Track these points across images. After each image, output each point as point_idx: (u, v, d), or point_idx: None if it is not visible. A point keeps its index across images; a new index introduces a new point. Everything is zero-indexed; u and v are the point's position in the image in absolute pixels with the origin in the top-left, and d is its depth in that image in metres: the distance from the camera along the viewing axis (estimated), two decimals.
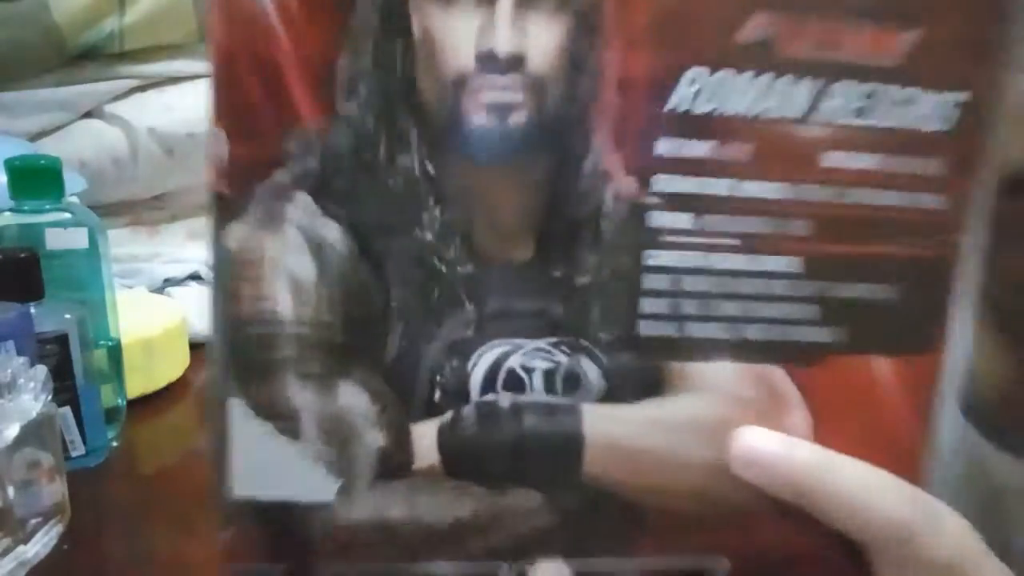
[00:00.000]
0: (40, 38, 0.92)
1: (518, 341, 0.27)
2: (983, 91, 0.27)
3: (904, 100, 0.27)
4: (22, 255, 0.60)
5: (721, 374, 0.28)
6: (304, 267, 0.26)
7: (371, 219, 0.26)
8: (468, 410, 0.27)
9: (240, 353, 0.26)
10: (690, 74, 0.26)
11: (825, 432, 0.29)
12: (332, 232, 0.25)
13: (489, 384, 0.27)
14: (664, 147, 0.26)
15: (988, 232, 0.28)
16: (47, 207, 0.65)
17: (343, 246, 0.26)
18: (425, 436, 0.27)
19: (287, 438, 0.26)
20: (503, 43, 0.25)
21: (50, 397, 0.53)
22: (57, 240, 0.65)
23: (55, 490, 0.54)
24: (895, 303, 0.29)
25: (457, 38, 0.25)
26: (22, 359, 0.53)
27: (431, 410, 0.27)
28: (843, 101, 0.27)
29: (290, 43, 0.24)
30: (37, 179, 0.65)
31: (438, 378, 0.27)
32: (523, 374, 0.27)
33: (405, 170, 0.25)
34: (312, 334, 0.26)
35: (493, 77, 0.25)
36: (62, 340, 0.60)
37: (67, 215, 0.66)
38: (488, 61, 0.25)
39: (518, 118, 0.26)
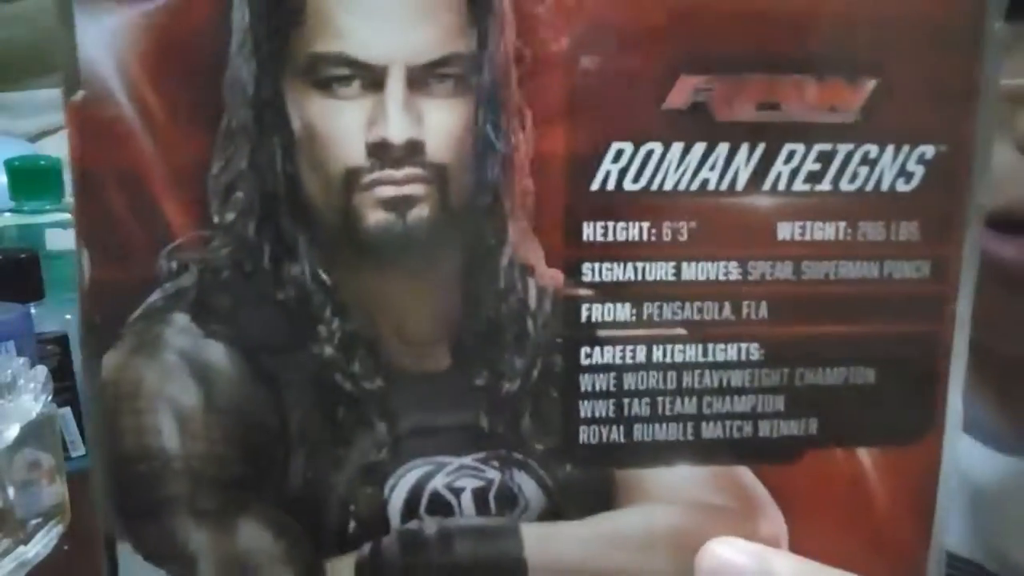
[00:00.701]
0: (40, 38, 0.92)
1: (441, 459, 0.24)
2: (954, 143, 0.24)
3: (863, 159, 0.24)
4: (22, 255, 0.60)
5: (679, 480, 0.25)
6: (189, 395, 0.23)
7: (260, 337, 0.23)
8: (389, 541, 0.24)
9: (126, 492, 0.23)
10: (614, 150, 0.23)
11: (804, 538, 0.25)
12: (217, 354, 0.23)
13: (411, 510, 0.24)
14: (591, 232, 0.23)
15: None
16: (47, 207, 0.65)
17: (231, 369, 0.23)
18: (341, 573, 0.24)
19: None
20: (396, 131, 0.22)
21: (50, 397, 0.52)
22: (57, 240, 0.65)
23: (55, 491, 0.53)
24: (876, 388, 0.25)
25: (344, 129, 0.22)
26: (22, 359, 0.53)
27: (346, 543, 0.24)
28: (793, 166, 0.24)
29: (157, 153, 0.22)
30: (37, 179, 0.65)
31: (351, 507, 0.24)
32: (449, 496, 0.24)
33: (295, 280, 0.23)
34: (204, 468, 0.23)
35: (388, 170, 0.22)
36: (62, 340, 0.60)
37: (67, 215, 0.66)
38: (381, 152, 0.22)
39: (420, 213, 0.23)
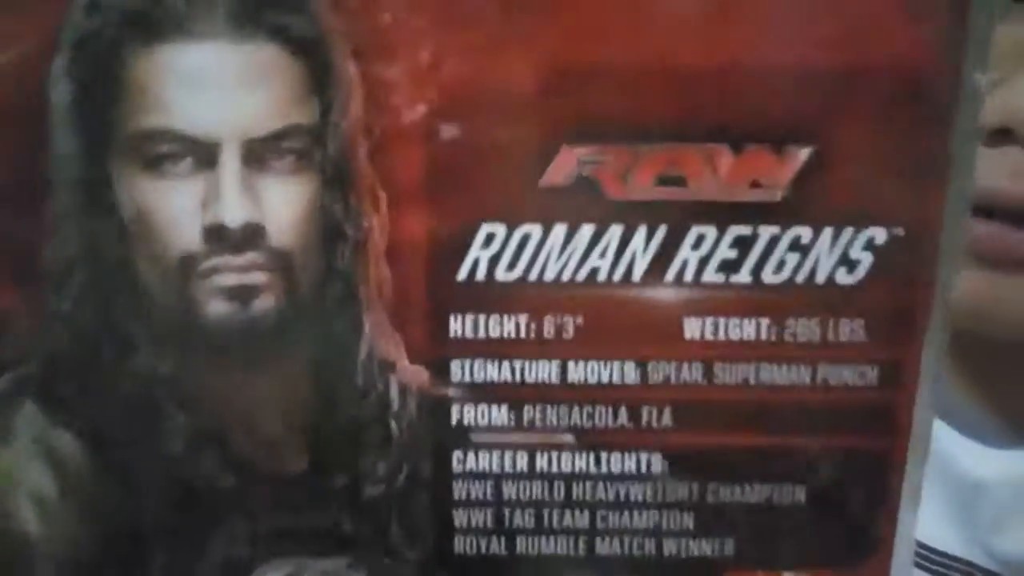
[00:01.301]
0: None
1: (306, 561, 0.22)
2: (914, 224, 0.19)
3: (793, 245, 0.19)
4: None
5: None
6: (45, 482, 0.22)
7: (105, 428, 0.21)
8: None
9: None
10: (483, 233, 0.20)
11: None
12: (66, 443, 0.21)
13: None
14: (459, 327, 0.20)
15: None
16: None
17: (80, 458, 0.21)
18: None
19: None
20: (233, 213, 0.20)
21: None
22: None
23: None
24: (807, 509, 0.21)
25: (176, 212, 0.20)
26: None
27: None
28: (703, 253, 0.20)
29: None
30: None
31: None
32: None
33: (135, 372, 0.21)
34: (66, 552, 0.22)
35: (226, 256, 0.20)
36: None
37: None
38: (217, 236, 0.20)
39: (264, 303, 0.20)
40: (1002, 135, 0.29)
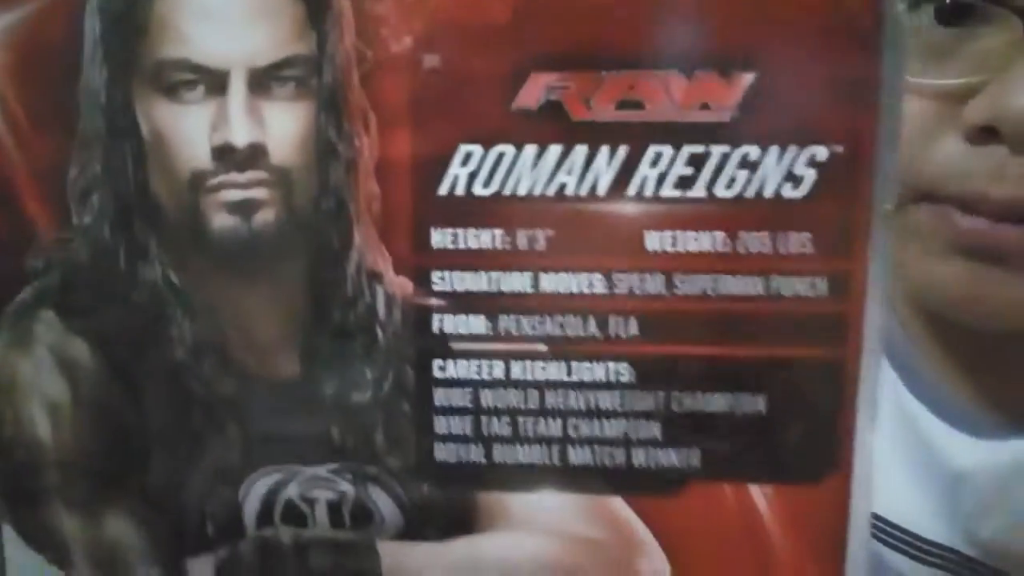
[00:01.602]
0: None
1: (294, 468, 0.24)
2: (852, 143, 0.21)
3: (742, 162, 0.21)
4: None
5: (547, 507, 0.23)
6: (58, 389, 0.24)
7: (117, 335, 0.23)
8: (245, 546, 0.24)
9: (6, 479, 0.24)
10: (462, 152, 0.22)
11: None
12: (80, 350, 0.23)
13: (266, 516, 0.24)
14: (441, 239, 0.22)
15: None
16: None
17: (93, 365, 0.23)
18: (202, 573, 0.24)
19: (59, 570, 0.24)
20: (239, 134, 0.22)
21: None
22: None
23: None
24: (767, 419, 0.22)
25: (189, 133, 0.22)
26: None
27: (205, 544, 0.24)
28: (660, 170, 0.22)
29: (21, 158, 0.23)
30: None
31: (207, 508, 0.24)
32: (303, 506, 0.24)
33: (147, 282, 0.23)
34: (73, 459, 0.24)
35: (232, 173, 0.22)
36: None
37: None
38: (225, 155, 0.22)
39: (264, 217, 0.22)
40: (987, 134, 0.30)
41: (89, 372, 0.23)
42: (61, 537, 0.24)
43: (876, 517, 0.31)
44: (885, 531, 0.37)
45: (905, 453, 0.37)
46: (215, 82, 0.22)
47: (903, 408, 0.38)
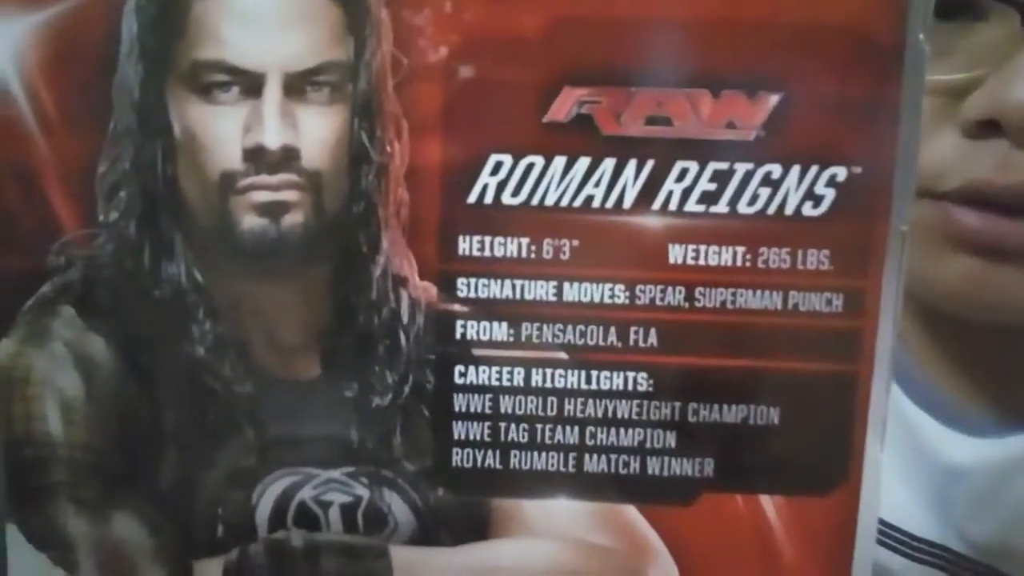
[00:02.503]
0: None
1: (309, 470, 0.24)
2: (870, 164, 0.22)
3: (765, 180, 0.22)
4: None
5: (561, 514, 0.23)
6: (73, 385, 0.23)
7: (137, 333, 0.23)
8: (256, 548, 0.24)
9: (14, 476, 0.24)
10: (492, 162, 0.22)
11: None
12: (98, 347, 0.23)
13: (278, 519, 0.24)
14: (467, 246, 0.23)
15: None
16: None
17: (110, 362, 0.23)
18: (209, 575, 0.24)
19: (63, 570, 0.24)
20: (272, 137, 0.22)
21: None
22: None
23: None
24: (780, 431, 0.23)
25: (221, 134, 0.22)
26: None
27: (214, 547, 0.24)
28: (686, 185, 0.22)
29: (50, 152, 0.23)
30: None
31: (219, 510, 0.24)
32: (317, 509, 0.24)
33: (171, 280, 0.23)
34: (84, 457, 0.24)
35: (263, 175, 0.23)
36: None
37: None
38: (257, 157, 0.22)
39: (293, 219, 0.23)
40: (988, 128, 0.30)
41: (105, 370, 0.23)
42: (67, 536, 0.24)
43: None
44: (877, 529, 0.37)
45: (897, 450, 0.37)
46: (250, 84, 0.22)
47: (895, 405, 0.38)
